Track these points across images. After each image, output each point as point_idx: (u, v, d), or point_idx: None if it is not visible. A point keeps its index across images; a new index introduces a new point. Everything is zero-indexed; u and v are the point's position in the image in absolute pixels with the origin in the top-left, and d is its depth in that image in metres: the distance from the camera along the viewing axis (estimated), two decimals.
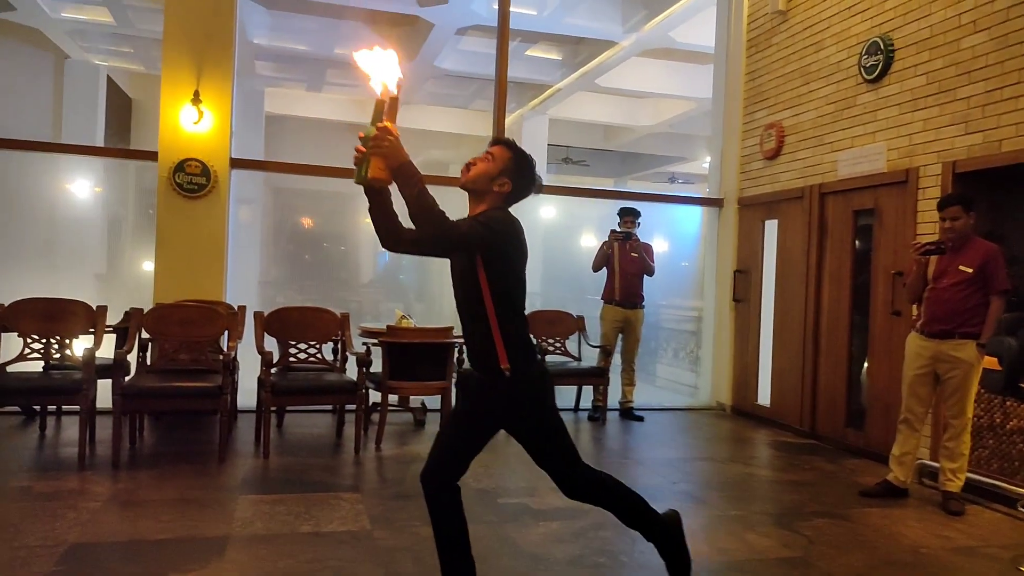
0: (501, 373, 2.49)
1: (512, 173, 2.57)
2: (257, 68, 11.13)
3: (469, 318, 2.56)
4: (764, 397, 6.74)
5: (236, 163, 6.18)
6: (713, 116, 7.65)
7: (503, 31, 6.89)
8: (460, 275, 2.56)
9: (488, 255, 2.46)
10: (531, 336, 2.58)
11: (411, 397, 6.01)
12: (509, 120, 12.72)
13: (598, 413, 6.47)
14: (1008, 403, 4.33)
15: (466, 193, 2.63)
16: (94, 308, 4.87)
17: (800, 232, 6.30)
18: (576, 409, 6.69)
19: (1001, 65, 4.56)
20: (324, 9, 8.90)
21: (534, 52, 10.24)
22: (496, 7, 6.96)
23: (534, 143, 13.00)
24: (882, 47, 5.42)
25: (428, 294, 15.47)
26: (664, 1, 8.30)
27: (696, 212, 7.86)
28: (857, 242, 5.81)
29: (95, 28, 9.40)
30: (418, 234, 2.41)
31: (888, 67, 5.40)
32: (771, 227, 6.78)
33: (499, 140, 2.66)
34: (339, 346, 5.52)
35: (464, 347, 3.26)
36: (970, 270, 4.10)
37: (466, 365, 2.98)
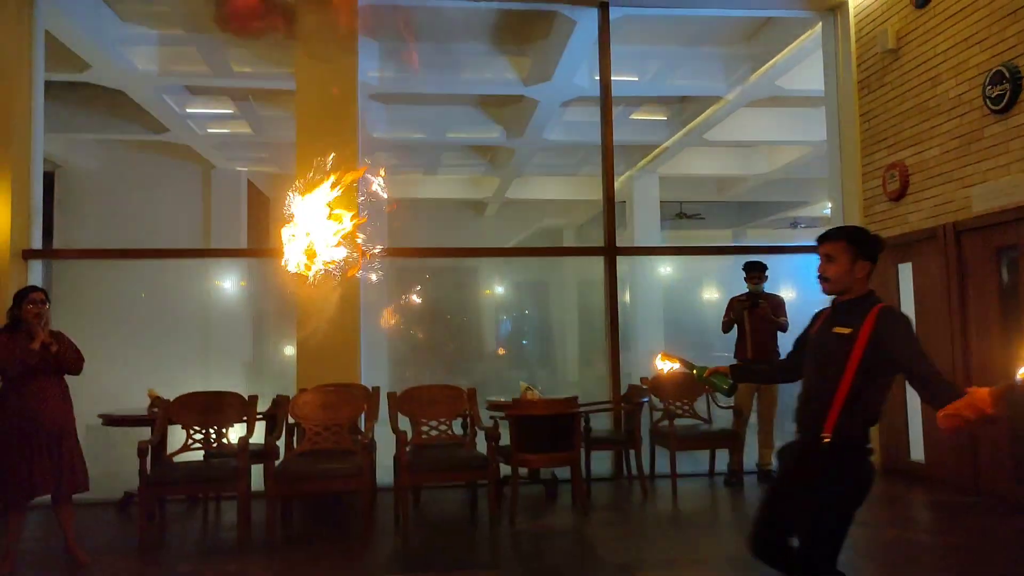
0: (825, 439, 2.58)
1: (859, 255, 2.68)
2: (377, 159, 11.89)
3: (818, 384, 2.67)
4: (917, 452, 6.28)
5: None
6: (830, 160, 7.43)
7: (606, 101, 7.08)
8: (828, 349, 2.65)
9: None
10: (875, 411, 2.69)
11: (541, 469, 6.04)
12: (619, 181, 12.91)
13: (734, 478, 6.23)
14: None
15: None
16: (246, 398, 5.27)
17: (937, 274, 5.94)
18: (711, 474, 6.48)
19: None
20: (434, 99, 9.47)
21: (639, 115, 10.38)
22: (598, 78, 7.17)
23: (645, 201, 13.05)
24: (1007, 75, 5.15)
25: (551, 360, 15.57)
26: (767, 52, 8.25)
27: None
28: (1003, 281, 5.41)
29: (236, 139, 10.42)
30: None
31: (1017, 96, 5.11)
32: (904, 270, 6.44)
33: (824, 238, 2.77)
34: (468, 421, 5.67)
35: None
36: None
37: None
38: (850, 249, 2.68)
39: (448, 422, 5.53)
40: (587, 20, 7.06)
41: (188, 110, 9.43)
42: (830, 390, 2.58)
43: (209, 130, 10.06)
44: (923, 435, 6.20)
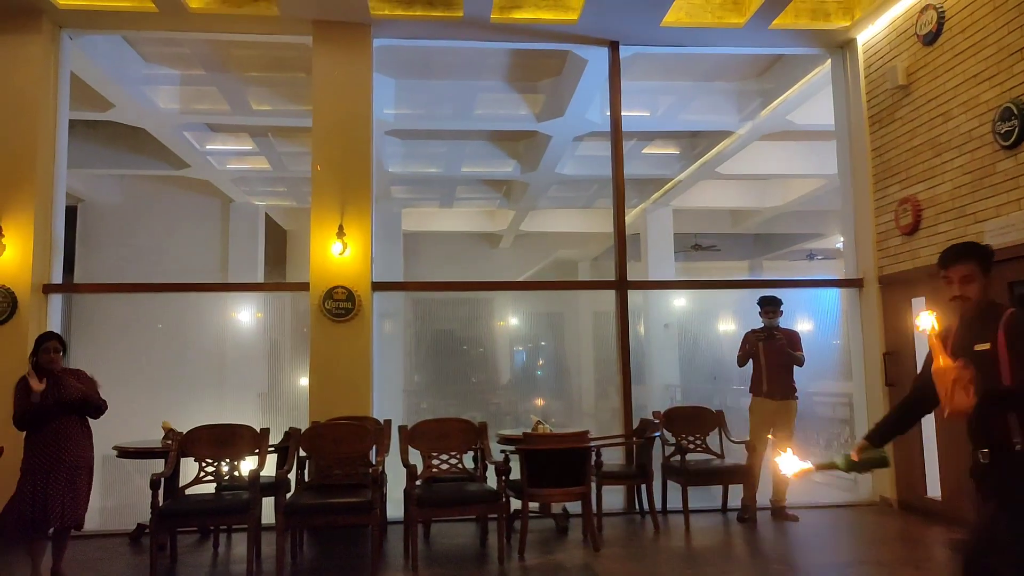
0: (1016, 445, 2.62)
1: (987, 269, 2.81)
2: (394, 192, 12.06)
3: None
4: (934, 489, 6.18)
5: (377, 286, 6.67)
6: (842, 195, 7.45)
7: (616, 137, 7.16)
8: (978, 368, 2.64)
9: None
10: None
11: (552, 503, 6.01)
12: (633, 214, 12.98)
13: (748, 514, 6.16)
14: None
15: None
16: (258, 431, 5.31)
17: (950, 309, 5.89)
18: (724, 510, 6.41)
19: None
20: (449, 134, 9.63)
21: (651, 150, 10.48)
22: (608, 114, 7.27)
23: (659, 234, 13.09)
24: (1016, 112, 5.17)
25: (566, 391, 15.52)
26: (778, 88, 8.33)
27: (836, 291, 7.56)
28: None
29: (255, 174, 10.62)
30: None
31: None
32: (918, 305, 6.39)
33: (955, 259, 2.84)
34: (479, 454, 5.67)
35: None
36: None
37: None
38: (981, 265, 2.79)
39: (459, 455, 5.53)
40: (598, 58, 7.19)
41: (208, 147, 9.66)
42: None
43: (228, 166, 10.27)
44: (939, 471, 6.10)
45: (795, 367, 6.36)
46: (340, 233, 6.44)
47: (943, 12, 5.92)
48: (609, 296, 7.04)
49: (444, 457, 5.48)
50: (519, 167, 10.64)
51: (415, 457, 5.42)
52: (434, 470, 5.47)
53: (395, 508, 5.66)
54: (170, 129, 8.82)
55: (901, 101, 6.51)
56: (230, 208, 11.54)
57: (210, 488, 5.26)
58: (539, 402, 14.58)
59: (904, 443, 6.51)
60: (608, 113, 7.29)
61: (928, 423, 6.22)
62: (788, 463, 2.90)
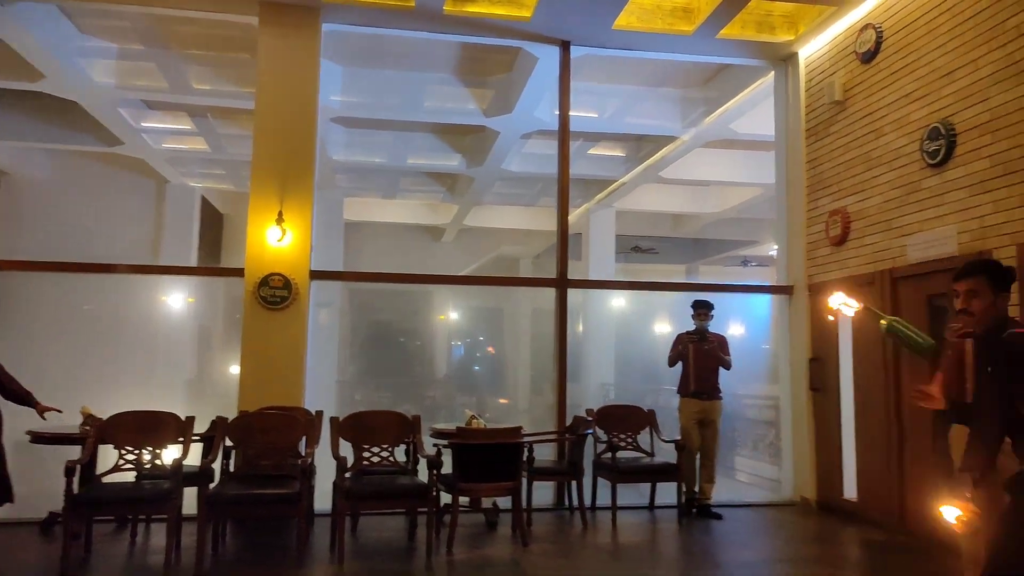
0: None
1: (996, 286, 2.82)
2: (336, 181, 11.86)
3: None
4: (851, 490, 6.42)
5: (316, 275, 6.55)
6: (777, 204, 7.66)
7: (563, 137, 7.20)
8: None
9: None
10: None
11: (483, 498, 6.01)
12: (576, 214, 13.08)
13: (693, 507, 6.37)
14: None
15: None
16: (183, 419, 5.16)
17: (874, 319, 6.12)
18: (651, 507, 6.53)
19: None
20: (396, 125, 9.52)
21: (597, 151, 10.57)
22: (557, 113, 7.31)
23: (601, 235, 13.23)
24: (943, 132, 5.40)
25: (505, 386, 15.57)
26: (722, 97, 8.52)
27: (767, 297, 7.78)
28: (933, 327, 5.61)
29: (192, 155, 10.30)
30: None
31: (951, 151, 5.36)
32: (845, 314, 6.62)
33: (964, 274, 2.87)
34: (411, 448, 5.63)
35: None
36: None
37: None
38: (991, 283, 2.80)
39: (391, 449, 5.49)
40: (549, 57, 7.21)
41: (144, 124, 9.32)
42: None
43: (164, 145, 9.93)
44: (856, 473, 6.34)
45: (722, 370, 6.58)
46: (279, 219, 6.30)
47: (882, 32, 6.14)
48: (549, 294, 7.08)
49: (375, 450, 5.43)
50: (465, 161, 10.60)
51: (346, 449, 5.35)
52: (365, 463, 5.41)
53: (324, 501, 5.58)
54: (104, 104, 8.48)
55: (837, 116, 6.73)
56: (165, 189, 11.18)
57: (130, 477, 5.08)
58: (503, 401, 14.59)
59: (824, 446, 6.75)
60: (556, 112, 7.32)
61: (847, 425, 6.46)
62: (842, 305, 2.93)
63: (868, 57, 6.29)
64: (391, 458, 5.44)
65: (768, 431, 8.17)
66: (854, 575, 4.87)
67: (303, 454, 5.17)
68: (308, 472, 4.97)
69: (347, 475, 5.01)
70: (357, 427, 5.50)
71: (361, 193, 13.23)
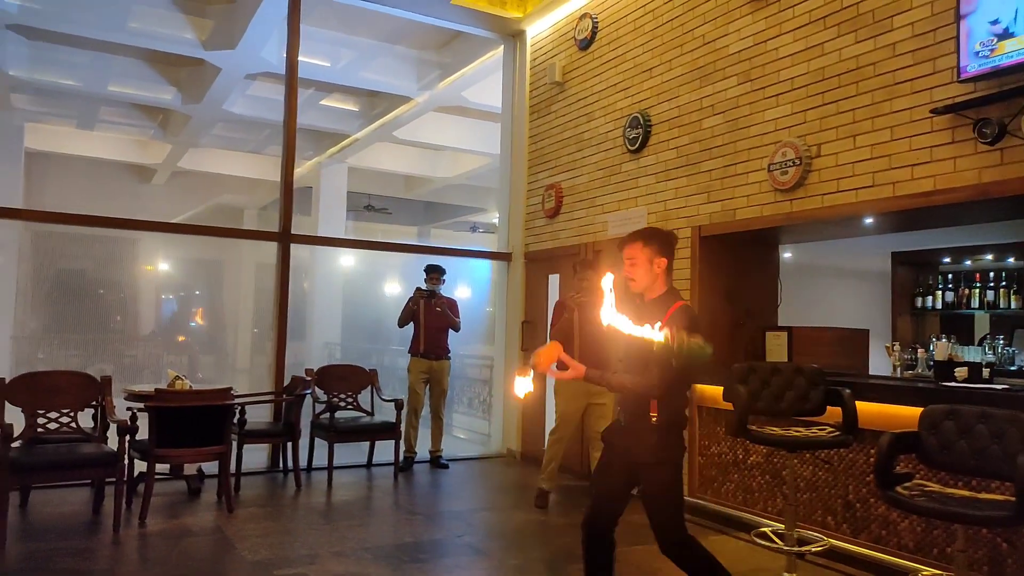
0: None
1: (656, 252, 2.94)
2: (15, 102, 10.08)
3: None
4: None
5: None
6: (501, 174, 8.04)
7: (291, 82, 6.82)
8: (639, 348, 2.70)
9: None
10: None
11: (186, 464, 5.61)
12: (307, 167, 12.57)
13: (406, 464, 6.56)
14: (747, 443, 4.89)
15: None
16: None
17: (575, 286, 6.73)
18: (368, 465, 6.60)
19: (734, 144, 5.25)
20: (94, 44, 8.29)
21: (329, 102, 10.21)
22: (285, 56, 6.89)
23: (332, 190, 12.89)
24: (641, 122, 6.03)
25: (220, 346, 14.60)
26: (456, 63, 8.67)
27: (489, 263, 8.18)
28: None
29: None
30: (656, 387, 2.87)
31: (647, 140, 6.01)
32: (554, 280, 7.20)
33: (624, 243, 3.01)
34: (99, 412, 5.05)
35: None
36: None
37: None
38: (646, 249, 2.94)
39: (74, 413, 4.87)
40: None
41: None
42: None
43: None
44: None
45: (451, 331, 6.88)
46: None
47: (597, 23, 6.65)
48: (272, 248, 6.73)
49: (53, 415, 4.78)
50: (180, 96, 9.61)
51: (14, 415, 4.65)
52: (40, 430, 4.74)
53: None
54: None
55: (557, 96, 7.20)
56: None
57: None
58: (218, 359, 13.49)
59: (528, 403, 7.31)
60: (284, 55, 6.90)
61: (550, 384, 7.05)
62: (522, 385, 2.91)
63: (585, 44, 6.79)
64: (73, 424, 4.83)
65: (483, 389, 8.65)
66: (546, 517, 5.37)
67: None
68: None
69: (14, 444, 4.35)
70: (30, 389, 4.81)
71: (49, 119, 11.39)
